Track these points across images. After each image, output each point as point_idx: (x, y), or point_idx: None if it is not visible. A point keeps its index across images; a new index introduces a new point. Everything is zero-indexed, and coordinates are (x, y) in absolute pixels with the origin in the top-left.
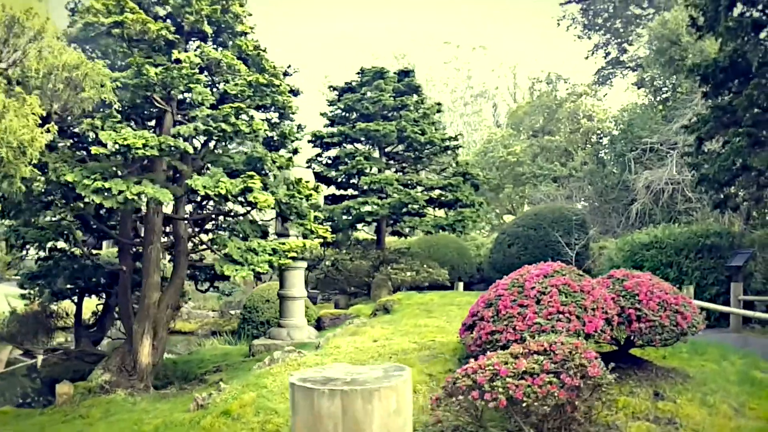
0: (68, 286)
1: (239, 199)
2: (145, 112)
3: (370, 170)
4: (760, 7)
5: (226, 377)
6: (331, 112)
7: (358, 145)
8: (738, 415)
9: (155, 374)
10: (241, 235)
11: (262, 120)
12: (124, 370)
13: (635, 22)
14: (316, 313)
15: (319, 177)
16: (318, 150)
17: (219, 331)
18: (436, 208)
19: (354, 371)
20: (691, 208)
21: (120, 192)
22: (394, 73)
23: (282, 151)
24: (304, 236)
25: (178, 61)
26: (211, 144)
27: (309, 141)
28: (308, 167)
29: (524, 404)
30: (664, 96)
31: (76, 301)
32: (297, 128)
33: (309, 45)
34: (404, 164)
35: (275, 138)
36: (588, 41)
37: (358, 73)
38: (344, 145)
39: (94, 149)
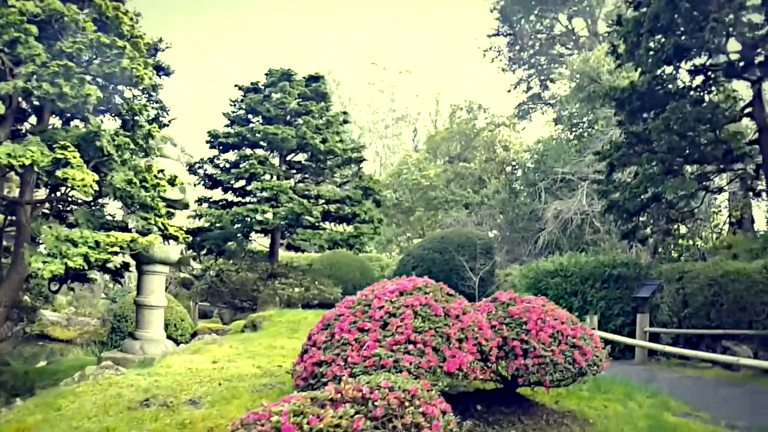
0: None
1: (56, 174)
2: None
3: (264, 176)
4: (681, 31)
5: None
6: (233, 112)
7: (259, 151)
8: None
9: None
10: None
11: (105, 91)
12: None
13: (559, 61)
14: (192, 326)
15: (213, 180)
16: (215, 152)
17: (98, 340)
18: (336, 223)
19: None
20: (599, 238)
21: None
22: (303, 77)
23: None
24: (147, 232)
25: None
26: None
27: (207, 141)
28: (198, 167)
29: None
30: (580, 132)
31: None
32: (159, 110)
33: (239, 56)
34: (305, 174)
35: (123, 113)
36: (512, 75)
37: (266, 74)
38: (243, 148)
39: None
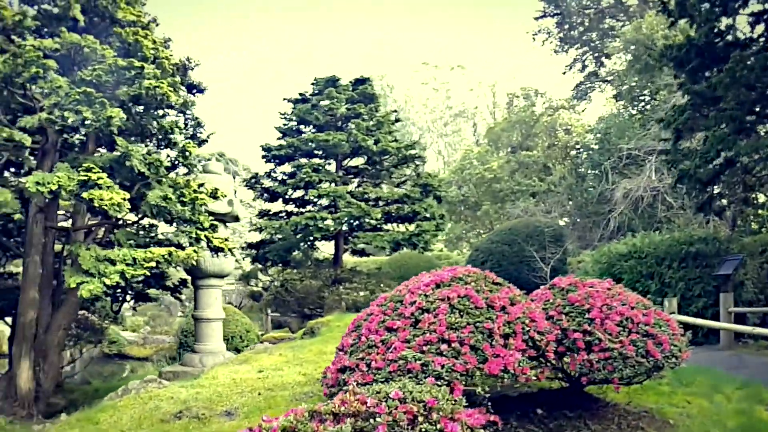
0: None
1: (82, 196)
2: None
3: (320, 183)
4: None
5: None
6: (285, 125)
7: (314, 159)
8: None
9: (55, 399)
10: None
11: (136, 111)
12: (10, 396)
13: (611, 35)
14: (258, 337)
15: (270, 192)
16: (272, 165)
17: (170, 356)
18: (398, 224)
19: None
20: (673, 215)
21: None
22: (349, 82)
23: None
24: (189, 245)
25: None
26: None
27: (262, 156)
28: (254, 182)
29: None
30: (642, 105)
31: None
32: (195, 127)
33: (283, 65)
34: (363, 178)
35: (154, 133)
36: (565, 56)
37: (312, 84)
38: (298, 158)
39: None
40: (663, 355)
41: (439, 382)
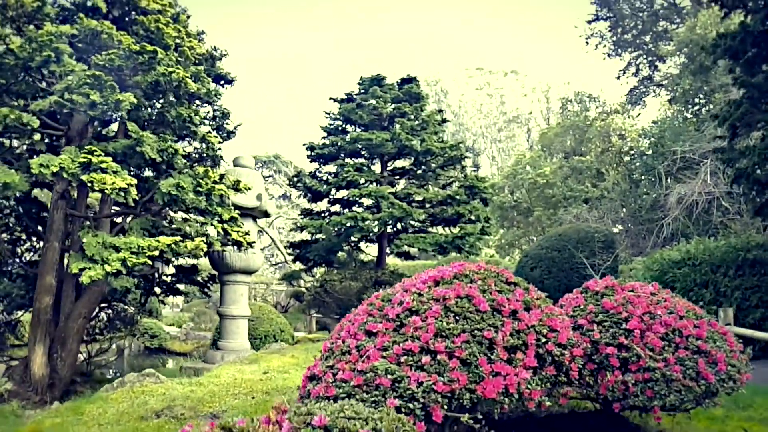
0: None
1: (81, 178)
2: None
3: (363, 183)
4: None
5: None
6: (330, 124)
7: (359, 159)
8: None
9: (81, 388)
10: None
11: (146, 99)
12: (25, 381)
13: (664, 37)
14: (293, 337)
15: (312, 191)
16: (316, 165)
17: None
18: (443, 226)
19: None
20: (729, 219)
21: None
22: (396, 81)
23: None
24: (204, 236)
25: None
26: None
27: (307, 156)
28: (297, 180)
29: None
30: (697, 108)
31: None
32: (221, 117)
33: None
34: (409, 179)
35: (171, 122)
36: (619, 60)
37: (358, 83)
38: (342, 158)
39: None
40: (718, 378)
41: (411, 404)
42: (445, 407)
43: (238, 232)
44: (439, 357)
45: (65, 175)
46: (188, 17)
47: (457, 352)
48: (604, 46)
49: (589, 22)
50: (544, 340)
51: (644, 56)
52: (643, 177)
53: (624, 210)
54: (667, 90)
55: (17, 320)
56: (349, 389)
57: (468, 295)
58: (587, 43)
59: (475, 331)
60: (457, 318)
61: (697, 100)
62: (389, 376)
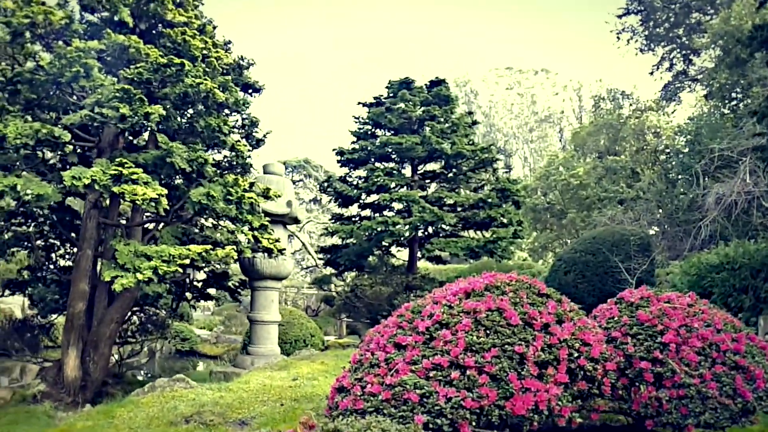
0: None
1: (113, 190)
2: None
3: (393, 188)
4: None
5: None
6: (359, 128)
7: (390, 164)
8: None
9: (113, 390)
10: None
11: (175, 109)
12: (58, 383)
13: (698, 30)
14: (323, 342)
15: (342, 196)
16: (346, 169)
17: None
18: (475, 230)
19: None
20: None
21: None
22: (424, 84)
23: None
24: (232, 243)
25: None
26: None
27: (337, 161)
28: (327, 185)
29: None
30: (734, 103)
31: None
32: (249, 126)
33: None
34: (440, 182)
35: (200, 131)
36: (652, 55)
37: (387, 87)
38: (372, 162)
39: None
40: (755, 395)
41: (439, 420)
42: (473, 423)
43: (268, 239)
44: (468, 372)
45: (97, 187)
46: (214, 28)
47: (487, 367)
48: (636, 41)
49: (620, 17)
50: (576, 354)
51: (678, 50)
52: (679, 176)
53: (660, 211)
54: (702, 85)
55: (51, 323)
56: (377, 403)
57: (499, 308)
58: (618, 38)
59: (506, 346)
60: (488, 332)
61: (734, 95)
62: (418, 391)
